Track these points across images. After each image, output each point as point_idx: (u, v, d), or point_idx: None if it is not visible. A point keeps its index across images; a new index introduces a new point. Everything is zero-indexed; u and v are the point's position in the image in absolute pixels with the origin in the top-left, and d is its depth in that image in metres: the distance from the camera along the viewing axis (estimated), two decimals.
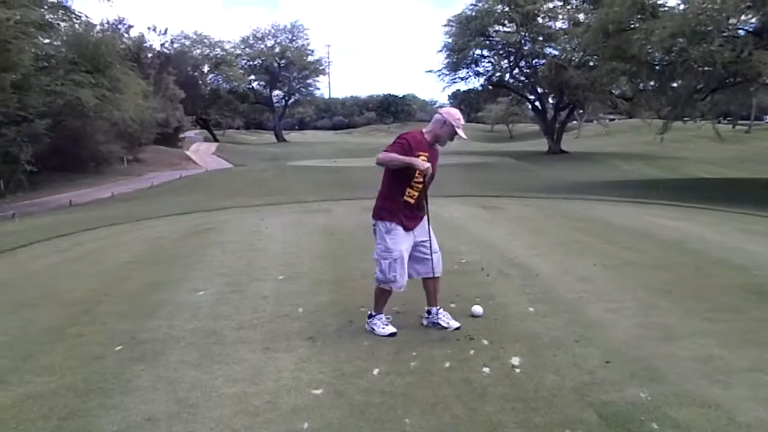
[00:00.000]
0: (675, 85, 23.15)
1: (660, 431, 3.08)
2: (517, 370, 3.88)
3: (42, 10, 21.93)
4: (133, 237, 10.11)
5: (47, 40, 25.03)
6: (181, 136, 61.34)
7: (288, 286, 6.12)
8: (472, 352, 4.20)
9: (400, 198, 4.44)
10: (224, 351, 4.34)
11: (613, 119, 72.24)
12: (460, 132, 4.44)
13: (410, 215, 4.52)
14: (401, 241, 4.48)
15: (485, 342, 4.38)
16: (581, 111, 60.23)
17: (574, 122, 63.94)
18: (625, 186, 21.40)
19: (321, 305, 5.30)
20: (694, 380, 3.65)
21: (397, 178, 4.43)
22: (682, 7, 19.10)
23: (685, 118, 27.85)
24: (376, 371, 3.91)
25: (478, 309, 4.98)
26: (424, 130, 4.55)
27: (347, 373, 3.89)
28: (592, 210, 11.52)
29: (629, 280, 6.02)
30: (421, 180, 4.42)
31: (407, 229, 4.52)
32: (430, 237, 4.60)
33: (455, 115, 4.48)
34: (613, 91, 38.53)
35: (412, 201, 4.47)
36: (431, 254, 4.61)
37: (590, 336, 4.44)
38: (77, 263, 7.97)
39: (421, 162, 4.30)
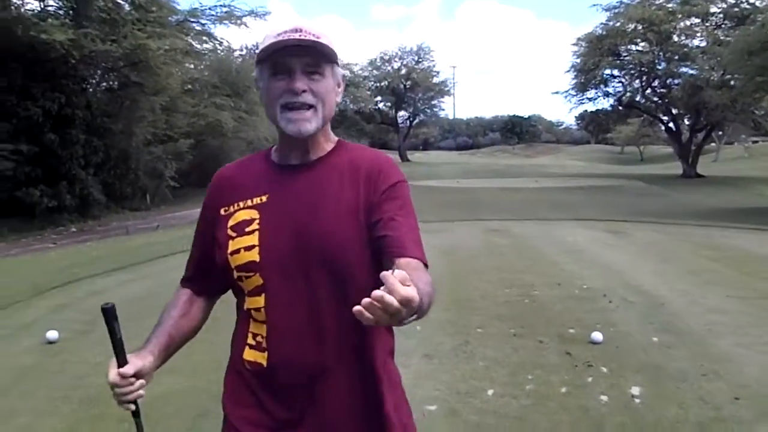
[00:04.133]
0: None
1: None
2: (637, 401, 3.78)
3: (188, 38, 23.74)
4: None
5: (192, 66, 27.02)
6: None
7: None
8: (590, 379, 4.13)
9: (237, 355, 1.57)
10: None
11: (757, 141, 67.40)
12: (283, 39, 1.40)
13: (259, 400, 1.50)
14: None
15: (604, 369, 4.29)
16: (720, 133, 56.73)
17: (713, 144, 60.29)
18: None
19: (438, 323, 5.37)
20: None
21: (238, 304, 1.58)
22: None
23: None
24: (490, 392, 3.94)
25: (597, 335, 4.88)
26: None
27: (462, 391, 3.95)
28: (728, 238, 10.84)
29: (766, 313, 5.66)
30: (257, 297, 1.47)
31: None
32: None
33: (269, 36, 1.44)
34: (756, 111, 36.03)
35: (263, 363, 1.47)
36: None
37: (719, 370, 4.23)
38: None
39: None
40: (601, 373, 4.22)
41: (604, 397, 3.82)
